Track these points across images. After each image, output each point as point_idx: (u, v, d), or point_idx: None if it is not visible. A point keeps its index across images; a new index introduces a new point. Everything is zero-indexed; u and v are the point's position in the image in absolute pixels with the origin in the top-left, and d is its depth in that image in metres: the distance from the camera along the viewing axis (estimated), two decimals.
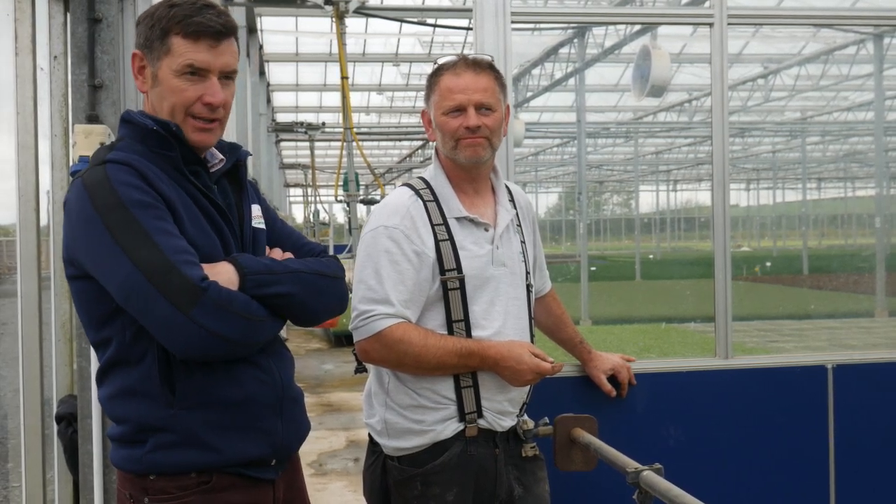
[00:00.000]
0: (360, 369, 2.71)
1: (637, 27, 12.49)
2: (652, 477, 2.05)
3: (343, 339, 13.00)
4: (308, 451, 6.83)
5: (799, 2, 13.92)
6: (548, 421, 2.67)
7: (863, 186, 38.49)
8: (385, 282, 2.49)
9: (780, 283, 22.16)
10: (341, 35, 9.86)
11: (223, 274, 1.99)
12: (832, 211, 42.85)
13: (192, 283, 1.90)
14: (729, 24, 3.25)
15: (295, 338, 13.95)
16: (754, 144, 30.96)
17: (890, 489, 3.34)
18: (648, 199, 43.41)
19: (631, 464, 2.15)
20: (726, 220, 3.31)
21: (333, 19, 9.87)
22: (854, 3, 12.94)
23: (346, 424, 8.16)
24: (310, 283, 2.13)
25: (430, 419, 2.54)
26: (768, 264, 27.72)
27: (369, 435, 2.67)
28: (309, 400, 7.97)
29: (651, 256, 35.04)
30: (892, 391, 3.36)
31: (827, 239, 39.22)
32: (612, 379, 3.02)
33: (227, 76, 2.11)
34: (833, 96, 22.49)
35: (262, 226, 2.25)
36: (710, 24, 3.26)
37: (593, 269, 18.88)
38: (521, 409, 2.67)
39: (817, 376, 3.27)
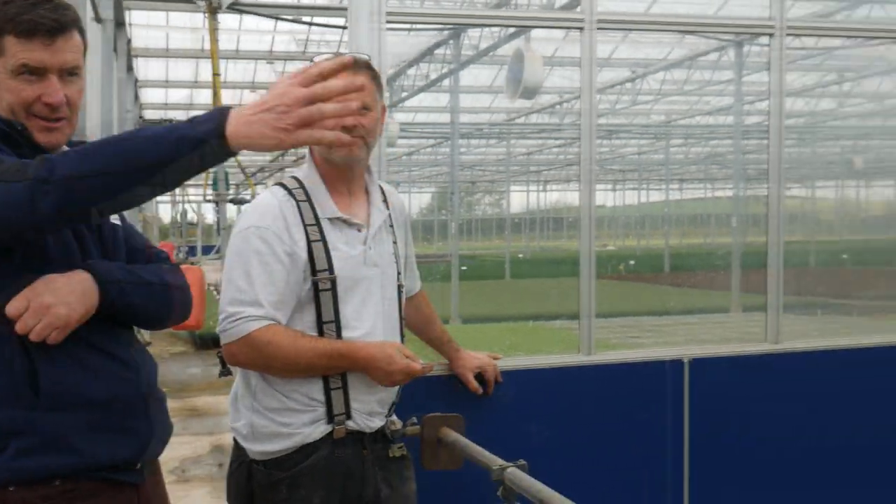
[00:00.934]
0: (225, 372, 2.70)
1: (511, 29, 12.67)
2: (516, 473, 2.11)
3: (210, 342, 12.72)
4: (170, 457, 6.69)
5: (666, 9, 14.39)
6: (416, 421, 2.70)
7: (722, 188, 40.02)
8: (255, 283, 2.47)
9: (643, 281, 22.85)
10: (214, 31, 9.69)
11: (84, 282, 1.95)
12: (693, 211, 44.42)
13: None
14: (598, 28, 3.34)
15: (158, 341, 13.59)
16: (621, 146, 31.78)
17: (742, 479, 3.52)
18: (519, 200, 44.05)
19: (496, 461, 2.20)
20: (592, 220, 3.41)
21: (206, 15, 9.69)
22: (717, 12, 13.43)
23: (210, 429, 8.01)
24: (157, 295, 2.12)
25: (297, 422, 2.53)
26: (632, 262, 28.53)
27: (234, 439, 2.65)
28: (173, 404, 7.76)
29: (521, 255, 35.59)
30: (745, 383, 3.55)
31: (687, 238, 40.65)
32: (480, 377, 3.09)
33: (70, 72, 2.03)
34: (696, 100, 23.27)
35: (119, 221, 2.21)
36: (581, 29, 3.35)
37: (464, 268, 19.06)
38: (389, 410, 2.69)
39: (675, 370, 3.42)
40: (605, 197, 43.46)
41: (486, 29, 14.66)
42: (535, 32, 11.72)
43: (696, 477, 3.43)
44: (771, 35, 3.58)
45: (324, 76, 1.74)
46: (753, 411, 3.54)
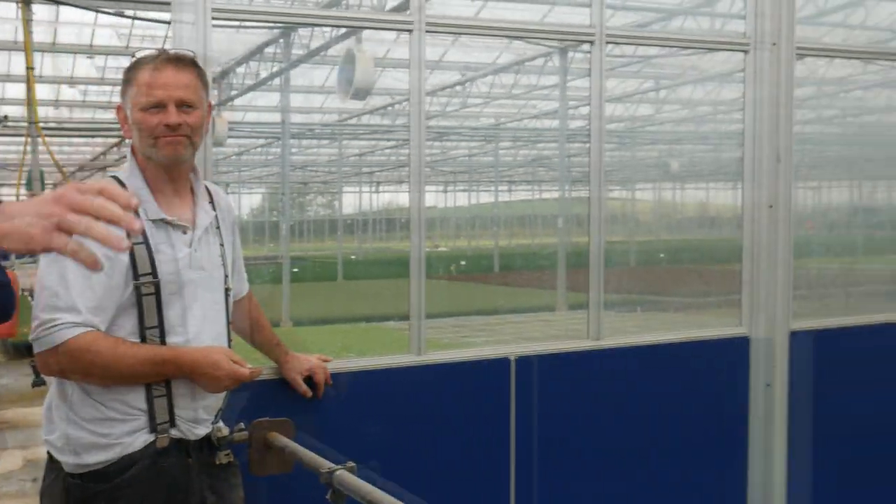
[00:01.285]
0: (38, 382, 2.57)
1: (342, 30, 12.63)
2: (345, 476, 2.11)
3: (23, 351, 12.07)
4: None
5: (494, 14, 14.70)
6: (243, 427, 2.66)
7: (548, 189, 41.25)
8: (72, 288, 2.36)
9: (473, 281, 23.26)
10: (27, 22, 9.23)
11: None
12: (521, 212, 45.58)
13: None
14: (427, 31, 3.37)
15: None
16: (452, 148, 32.22)
17: (566, 472, 3.64)
18: (351, 201, 43.96)
19: (325, 464, 2.20)
20: (422, 221, 3.44)
21: (19, 4, 9.22)
22: (543, 18, 13.80)
23: (23, 443, 7.62)
24: None
25: (117, 432, 2.43)
26: (463, 263, 29.02)
27: (48, 452, 2.52)
28: None
29: (353, 257, 35.55)
30: (569, 379, 3.67)
31: (516, 238, 41.69)
32: (310, 380, 3.07)
33: None
34: (523, 104, 23.88)
35: None
36: (410, 31, 3.38)
37: (295, 270, 18.88)
38: (216, 416, 2.63)
39: (501, 368, 3.50)
40: (437, 198, 43.96)
41: (317, 28, 14.56)
42: (366, 33, 11.75)
43: (521, 472, 3.52)
44: (592, 42, 3.72)
45: (102, 193, 1.47)
46: (577, 406, 3.66)
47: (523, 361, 3.52)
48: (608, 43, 3.75)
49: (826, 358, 4.11)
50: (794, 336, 4.01)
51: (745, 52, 4.01)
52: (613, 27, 3.80)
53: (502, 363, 3.50)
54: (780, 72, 3.98)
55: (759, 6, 3.96)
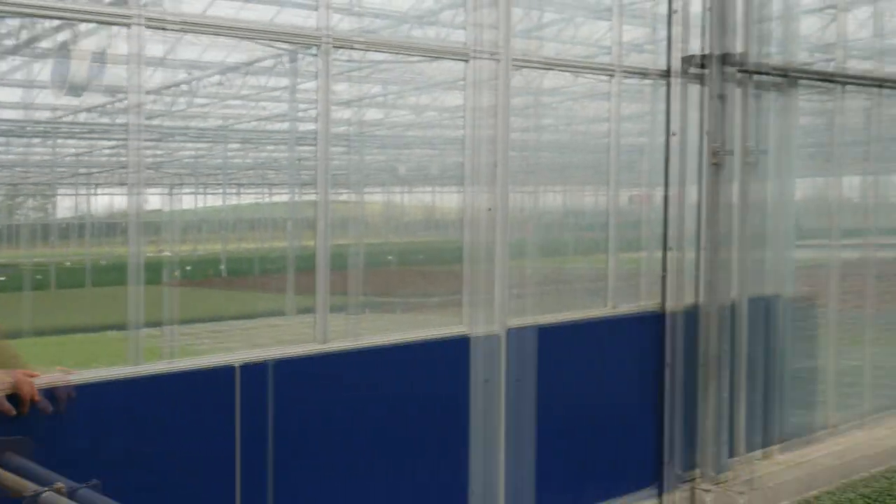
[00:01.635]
0: None
1: (56, 21, 11.89)
2: (52, 498, 1.98)
3: None
4: None
5: (223, 12, 14.39)
6: None
7: (278, 193, 40.92)
8: None
9: (201, 287, 22.67)
10: None
11: None
12: (250, 215, 44.91)
13: None
14: (148, 27, 3.25)
15: None
16: (178, 149, 31.17)
17: (294, 475, 3.61)
18: (67, 204, 41.43)
19: (29, 487, 2.05)
20: (140, 225, 3.30)
21: None
22: (272, 19, 13.64)
23: None
24: None
25: None
26: (188, 268, 28.19)
27: None
28: None
29: (68, 263, 33.58)
30: (295, 384, 3.63)
31: (245, 242, 41.04)
32: (14, 397, 2.84)
33: None
34: (253, 106, 23.54)
35: None
36: (128, 26, 3.23)
37: (2, 278, 17.57)
38: None
39: (225, 376, 3.41)
40: (162, 201, 42.38)
41: (29, 18, 13.65)
42: (86, 26, 11.16)
43: (248, 480, 3.45)
44: (318, 46, 3.72)
45: None
46: (306, 410, 3.65)
47: (248, 368, 3.46)
48: (336, 47, 3.76)
49: (541, 352, 4.35)
50: (512, 332, 4.21)
51: (466, 61, 4.16)
52: (341, 31, 3.83)
53: (226, 371, 3.41)
54: (498, 81, 4.16)
55: (478, 18, 4.13)
